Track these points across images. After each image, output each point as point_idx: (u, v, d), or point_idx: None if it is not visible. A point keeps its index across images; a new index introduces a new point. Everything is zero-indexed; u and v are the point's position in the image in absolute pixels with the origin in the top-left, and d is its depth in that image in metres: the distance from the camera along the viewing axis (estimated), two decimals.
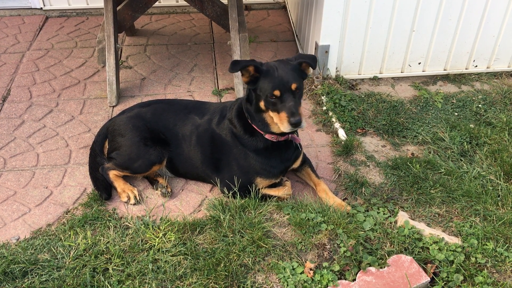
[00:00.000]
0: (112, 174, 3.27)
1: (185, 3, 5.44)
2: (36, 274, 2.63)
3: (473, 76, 4.73)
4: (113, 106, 4.20)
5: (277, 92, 2.76)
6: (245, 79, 2.90)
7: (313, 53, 4.44)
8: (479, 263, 2.75)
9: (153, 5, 4.55)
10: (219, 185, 3.19)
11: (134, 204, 3.19)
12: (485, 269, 2.72)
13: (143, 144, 3.23)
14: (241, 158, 3.10)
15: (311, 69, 2.98)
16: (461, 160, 3.61)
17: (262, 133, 2.98)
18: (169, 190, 3.29)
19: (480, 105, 4.26)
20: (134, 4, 4.40)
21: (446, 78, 4.70)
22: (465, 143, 3.76)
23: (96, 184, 3.27)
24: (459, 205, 3.19)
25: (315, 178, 3.33)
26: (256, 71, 2.84)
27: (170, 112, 3.34)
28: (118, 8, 4.39)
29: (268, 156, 3.07)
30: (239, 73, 2.99)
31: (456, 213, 3.16)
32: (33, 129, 3.90)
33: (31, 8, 5.72)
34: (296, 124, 2.72)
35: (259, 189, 3.14)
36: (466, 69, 4.74)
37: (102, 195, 3.20)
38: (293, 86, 2.76)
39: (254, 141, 3.05)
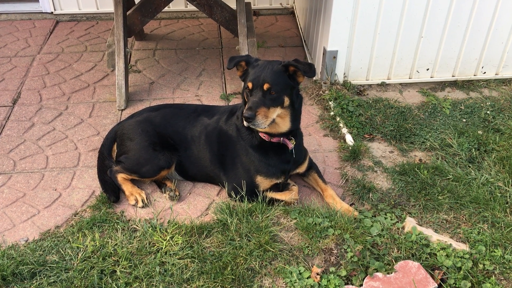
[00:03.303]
0: (120, 177, 3.29)
1: (194, 8, 5.48)
2: (44, 276, 2.66)
3: (482, 82, 4.72)
4: (122, 110, 4.23)
5: (250, 84, 2.83)
6: (239, 73, 3.03)
7: (321, 59, 4.45)
8: (487, 269, 2.73)
9: (162, 10, 4.59)
10: (226, 188, 3.21)
11: (142, 207, 3.21)
12: (493, 276, 2.70)
13: (152, 148, 3.25)
14: (242, 153, 3.12)
15: (304, 77, 2.91)
16: (469, 167, 3.60)
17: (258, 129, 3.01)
18: (177, 193, 3.30)
19: (488, 112, 4.25)
20: (143, 9, 4.45)
21: (454, 84, 4.70)
22: (473, 149, 3.75)
23: (105, 186, 3.29)
24: (467, 211, 3.18)
25: (322, 184, 3.33)
26: (246, 65, 2.96)
27: (179, 116, 3.37)
28: (128, 13, 4.44)
29: (265, 154, 3.08)
30: None
31: (464, 219, 3.15)
32: (42, 132, 3.93)
33: (42, 12, 5.79)
34: (247, 119, 2.74)
35: (264, 192, 3.15)
36: (474, 75, 4.73)
37: (110, 197, 3.22)
38: (265, 85, 2.78)
39: (251, 137, 3.08)
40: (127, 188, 3.27)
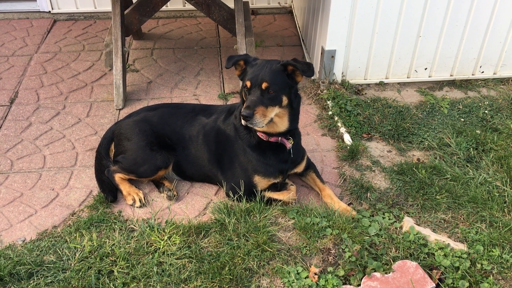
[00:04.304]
0: (118, 177, 3.29)
1: (192, 7, 5.47)
2: (41, 276, 2.65)
3: (480, 82, 4.72)
4: (120, 109, 4.22)
5: (248, 83, 2.82)
6: (237, 73, 3.03)
7: (320, 58, 4.45)
8: (485, 269, 2.73)
9: (160, 9, 4.57)
10: (224, 188, 3.20)
11: (140, 207, 3.20)
12: (491, 275, 2.70)
13: (149, 148, 3.24)
14: (240, 153, 3.12)
15: (303, 77, 2.90)
16: (467, 166, 3.59)
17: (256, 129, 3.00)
18: (175, 193, 3.29)
19: (486, 111, 4.25)
20: (141, 8, 4.43)
21: (453, 84, 4.69)
22: (471, 149, 3.74)
23: (102, 186, 3.28)
24: (465, 211, 3.18)
25: (320, 183, 3.33)
26: (245, 64, 2.96)
27: (177, 116, 3.36)
28: (125, 12, 4.42)
29: (263, 154, 3.07)
30: None
31: (462, 219, 3.14)
32: (40, 132, 3.92)
33: (40, 11, 5.77)
34: (245, 117, 2.74)
35: (262, 192, 3.14)
36: (472, 75, 4.73)
37: (108, 197, 3.21)
38: (264, 84, 2.77)
39: (249, 136, 3.08)
40: (125, 188, 3.26)
